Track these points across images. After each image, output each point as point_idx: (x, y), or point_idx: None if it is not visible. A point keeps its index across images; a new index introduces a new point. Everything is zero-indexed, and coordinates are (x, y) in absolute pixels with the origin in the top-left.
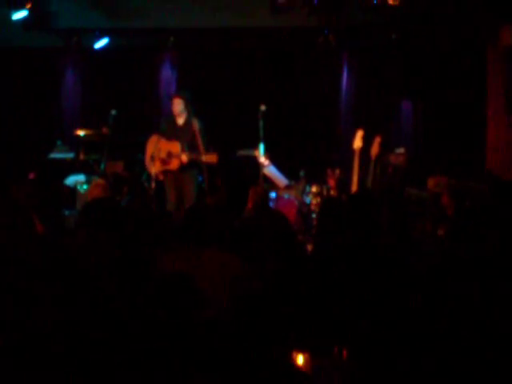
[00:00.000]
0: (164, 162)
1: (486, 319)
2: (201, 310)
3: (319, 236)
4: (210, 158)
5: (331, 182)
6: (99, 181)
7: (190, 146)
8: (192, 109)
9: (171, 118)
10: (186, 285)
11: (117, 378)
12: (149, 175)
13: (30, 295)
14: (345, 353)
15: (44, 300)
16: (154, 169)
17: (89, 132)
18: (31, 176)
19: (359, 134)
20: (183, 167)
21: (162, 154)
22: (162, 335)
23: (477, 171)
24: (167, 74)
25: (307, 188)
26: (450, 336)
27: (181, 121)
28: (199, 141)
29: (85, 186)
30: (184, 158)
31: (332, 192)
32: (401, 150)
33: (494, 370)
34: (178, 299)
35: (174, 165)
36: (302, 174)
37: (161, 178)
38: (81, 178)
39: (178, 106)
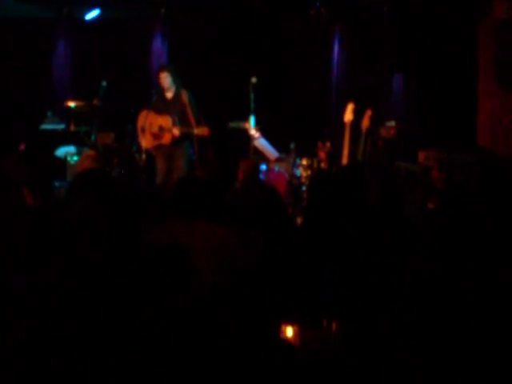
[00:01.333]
0: (156, 136)
1: (478, 294)
2: (192, 281)
3: (309, 208)
4: (201, 130)
5: (322, 155)
6: (90, 152)
7: (181, 119)
8: (180, 81)
9: (160, 91)
10: (179, 256)
11: (111, 357)
12: (139, 147)
13: (21, 268)
14: (334, 325)
15: (35, 273)
16: (145, 143)
17: (79, 103)
18: (21, 147)
19: (350, 107)
20: (175, 141)
21: (154, 128)
22: (153, 307)
23: (467, 145)
24: (158, 45)
25: (297, 160)
26: (442, 311)
27: (169, 94)
28: (190, 113)
29: (75, 158)
30: (176, 131)
31: (322, 165)
32: (391, 124)
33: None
34: (171, 271)
35: (166, 139)
36: (292, 146)
37: (154, 153)
38: (71, 149)
39: (166, 79)
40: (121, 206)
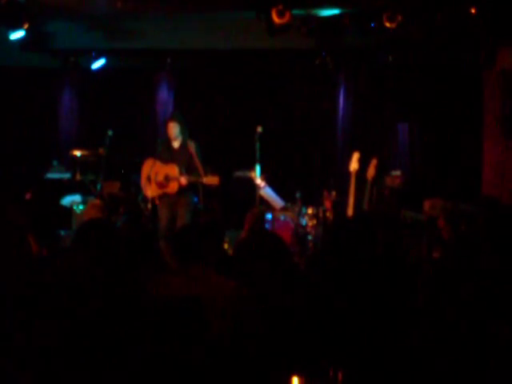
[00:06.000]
0: (161, 185)
1: (481, 342)
2: (202, 332)
3: (313, 259)
4: (211, 180)
5: (327, 204)
6: (95, 201)
7: (188, 169)
8: (187, 131)
9: (166, 141)
10: (192, 308)
11: None
12: (144, 196)
13: (21, 316)
14: (340, 375)
15: (35, 322)
16: (151, 192)
17: (85, 152)
18: (27, 196)
19: (355, 156)
20: (181, 190)
21: (159, 177)
22: (160, 359)
23: (473, 193)
24: (164, 94)
25: (303, 210)
26: (447, 359)
27: (176, 144)
28: (197, 163)
29: (81, 207)
30: (183, 180)
31: (328, 214)
32: (397, 173)
33: None
34: (183, 323)
35: (172, 188)
36: (298, 195)
37: (157, 202)
38: (77, 198)
39: (174, 129)
40: (123, 257)
